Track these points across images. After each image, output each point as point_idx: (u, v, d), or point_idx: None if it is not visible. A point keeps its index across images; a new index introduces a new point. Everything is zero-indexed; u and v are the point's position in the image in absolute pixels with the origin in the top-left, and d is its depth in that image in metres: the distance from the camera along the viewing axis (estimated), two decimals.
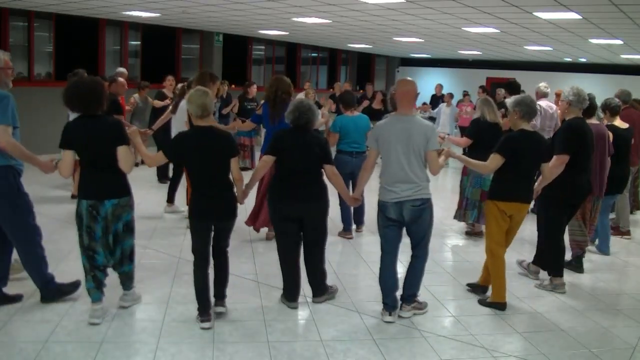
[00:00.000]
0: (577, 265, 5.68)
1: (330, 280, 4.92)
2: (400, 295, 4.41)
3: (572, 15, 8.51)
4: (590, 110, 5.51)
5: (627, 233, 7.09)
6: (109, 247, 4.05)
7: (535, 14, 8.62)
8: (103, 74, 11.29)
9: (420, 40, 14.02)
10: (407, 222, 4.25)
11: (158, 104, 9.40)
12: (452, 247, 6.68)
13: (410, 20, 10.37)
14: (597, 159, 5.51)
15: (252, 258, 5.71)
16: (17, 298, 4.32)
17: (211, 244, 4.18)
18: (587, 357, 3.95)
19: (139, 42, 13.78)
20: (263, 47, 17.31)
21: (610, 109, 6.22)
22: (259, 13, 10.33)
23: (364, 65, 21.49)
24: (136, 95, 10.04)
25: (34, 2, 10.10)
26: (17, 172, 4.14)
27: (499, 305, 4.64)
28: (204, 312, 4.09)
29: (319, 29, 12.58)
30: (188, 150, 4.07)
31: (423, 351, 3.91)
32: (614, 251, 6.46)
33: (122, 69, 9.93)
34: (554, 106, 7.60)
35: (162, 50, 14.46)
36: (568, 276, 5.37)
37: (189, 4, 9.67)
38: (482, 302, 4.75)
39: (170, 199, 7.43)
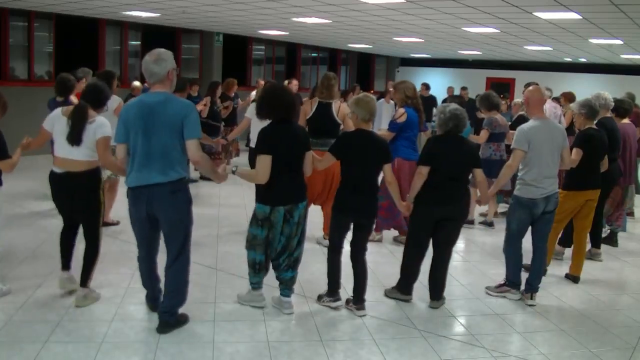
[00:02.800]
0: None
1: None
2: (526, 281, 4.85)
3: (572, 15, 8.51)
4: (622, 111, 6.46)
5: (631, 214, 8.00)
6: (290, 248, 4.29)
7: (535, 14, 8.63)
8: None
9: (420, 40, 14.02)
10: (547, 211, 4.74)
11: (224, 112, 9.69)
12: None
13: (410, 20, 10.37)
14: (627, 153, 6.42)
15: None
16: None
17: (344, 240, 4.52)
18: (587, 357, 3.95)
19: (139, 42, 13.79)
20: (263, 47, 17.30)
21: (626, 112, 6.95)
22: (259, 13, 10.33)
23: (364, 65, 21.48)
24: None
25: (34, 2, 10.09)
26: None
27: (575, 278, 5.39)
28: (331, 292, 4.51)
29: (319, 29, 12.58)
30: (353, 149, 4.37)
31: (423, 351, 3.91)
32: (614, 252, 6.51)
33: (86, 69, 8.09)
34: (558, 109, 8.74)
35: None
36: (567, 277, 5.43)
37: (189, 4, 9.66)
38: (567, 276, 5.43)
39: None
